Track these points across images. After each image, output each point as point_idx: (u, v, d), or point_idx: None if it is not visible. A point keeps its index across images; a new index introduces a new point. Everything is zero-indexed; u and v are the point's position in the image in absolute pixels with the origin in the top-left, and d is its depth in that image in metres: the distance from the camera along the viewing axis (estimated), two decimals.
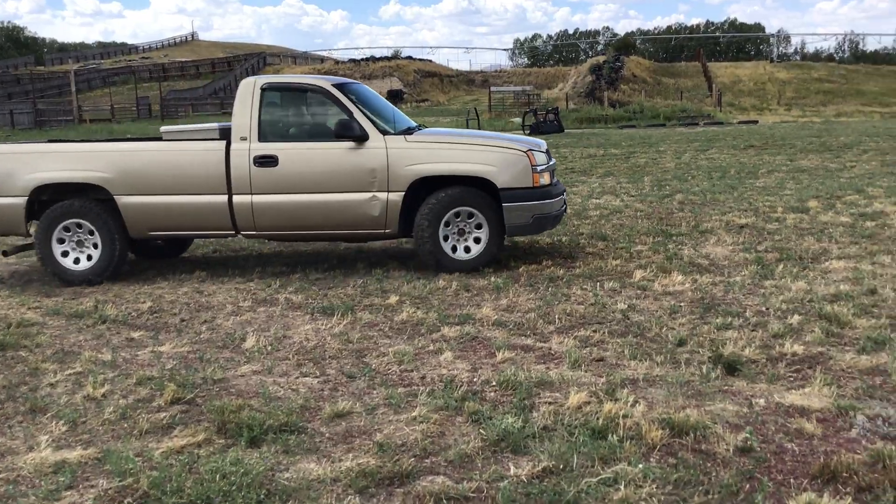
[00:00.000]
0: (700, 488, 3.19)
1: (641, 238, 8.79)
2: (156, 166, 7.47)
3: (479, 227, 7.46)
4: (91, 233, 7.50)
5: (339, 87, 7.71)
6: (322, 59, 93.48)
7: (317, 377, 4.70)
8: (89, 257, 7.54)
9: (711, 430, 3.69)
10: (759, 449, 3.52)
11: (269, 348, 5.28)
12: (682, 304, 5.97)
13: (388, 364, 4.88)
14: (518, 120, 43.04)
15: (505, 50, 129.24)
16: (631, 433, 3.69)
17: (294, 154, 7.41)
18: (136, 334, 5.75)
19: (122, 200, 7.42)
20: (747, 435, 3.61)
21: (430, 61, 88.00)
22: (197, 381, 4.66)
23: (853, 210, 10.24)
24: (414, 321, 5.79)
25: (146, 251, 8.73)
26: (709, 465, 3.40)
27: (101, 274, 7.52)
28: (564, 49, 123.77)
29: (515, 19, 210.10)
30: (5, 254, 8.14)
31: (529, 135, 35.00)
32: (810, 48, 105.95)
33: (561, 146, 25.10)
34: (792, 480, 3.25)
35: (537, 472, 3.36)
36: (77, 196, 7.49)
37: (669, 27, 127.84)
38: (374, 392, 4.42)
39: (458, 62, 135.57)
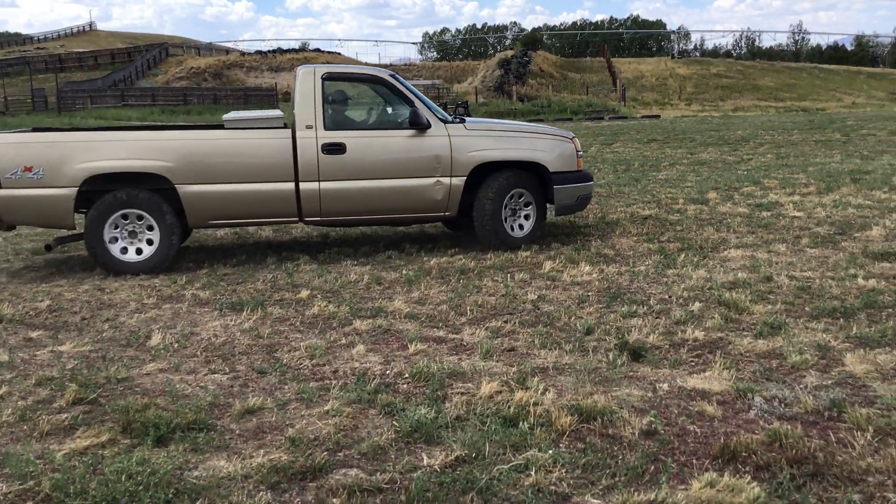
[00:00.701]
0: (607, 471, 3.28)
1: (550, 230, 8.94)
2: (220, 155, 7.42)
3: (527, 207, 8.14)
4: (147, 223, 7.33)
5: (394, 77, 8.04)
6: (227, 51, 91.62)
7: (226, 374, 4.62)
8: (138, 251, 7.36)
9: (618, 414, 3.80)
10: (662, 432, 3.63)
11: (176, 346, 5.15)
12: (589, 293, 6.11)
13: (300, 359, 4.83)
14: None
15: (414, 43, 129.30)
16: (541, 420, 3.75)
17: (361, 142, 7.66)
18: (34, 334, 5.53)
19: (184, 190, 7.29)
20: (652, 418, 3.72)
21: (339, 54, 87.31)
22: (100, 380, 4.51)
23: (750, 201, 10.66)
24: (325, 315, 5.75)
25: None
26: (615, 448, 3.49)
27: (160, 264, 7.37)
28: (473, 43, 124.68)
29: (424, 13, 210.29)
30: (48, 248, 7.82)
31: None
32: (709, 45, 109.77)
33: None
34: (694, 461, 3.38)
35: (450, 461, 3.39)
36: (130, 185, 7.26)
37: (575, 23, 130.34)
38: (286, 387, 4.37)
39: (368, 55, 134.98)
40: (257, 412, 4.02)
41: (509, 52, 67.17)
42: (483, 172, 7.89)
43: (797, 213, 9.50)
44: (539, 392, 4.08)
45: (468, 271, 7.00)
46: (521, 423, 3.73)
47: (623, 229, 8.83)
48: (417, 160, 7.73)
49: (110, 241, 7.25)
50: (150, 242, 7.35)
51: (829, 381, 4.16)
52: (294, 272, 7.18)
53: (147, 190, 7.26)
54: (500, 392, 4.13)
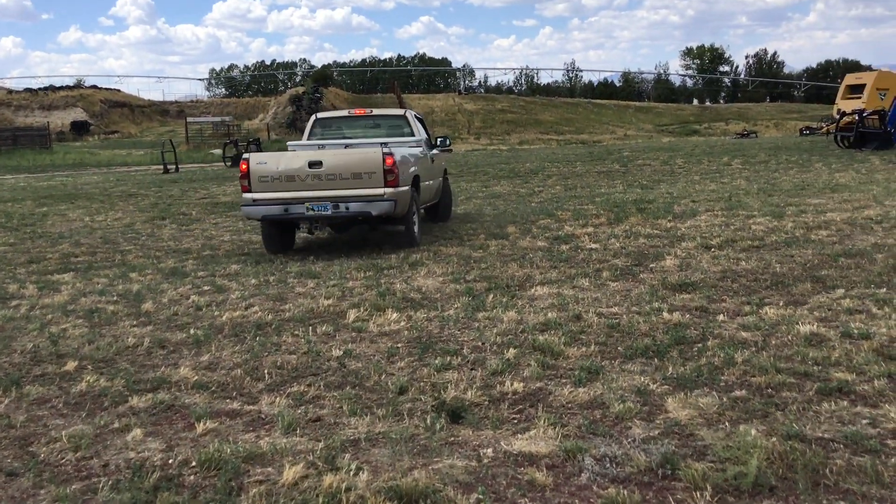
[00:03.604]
0: None
1: (352, 273, 8.46)
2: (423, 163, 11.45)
3: None
4: None
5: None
6: None
7: None
8: None
9: (442, 493, 3.34)
10: None
11: None
12: (399, 344, 5.66)
13: (62, 451, 4.01)
14: (219, 151, 41.54)
15: (201, 80, 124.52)
16: None
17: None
18: None
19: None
20: (480, 496, 3.31)
21: (119, 91, 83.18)
22: None
23: (548, 234, 10.74)
24: (95, 392, 4.90)
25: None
26: None
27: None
28: (263, 80, 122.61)
29: (209, 49, 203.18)
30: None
31: (231, 167, 33.78)
32: (493, 81, 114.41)
33: None
34: None
35: None
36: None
37: (364, 60, 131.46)
38: (42, 492, 3.56)
39: (150, 92, 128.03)
40: None
41: (300, 89, 66.67)
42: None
43: (594, 245, 9.63)
44: (351, 473, 3.56)
45: (265, 326, 6.36)
46: None
47: (427, 269, 8.51)
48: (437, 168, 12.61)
49: None
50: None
51: (656, 432, 3.94)
52: (60, 338, 6.22)
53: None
54: (307, 477, 3.56)
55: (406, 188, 9.89)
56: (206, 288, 8.06)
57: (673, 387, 4.54)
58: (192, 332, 6.24)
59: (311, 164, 9.55)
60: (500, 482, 3.48)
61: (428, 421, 4.17)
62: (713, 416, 4.09)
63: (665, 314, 6.09)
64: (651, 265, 8.20)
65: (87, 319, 6.86)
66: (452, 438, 3.98)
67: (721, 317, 5.99)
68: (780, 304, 6.32)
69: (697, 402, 4.26)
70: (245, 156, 9.92)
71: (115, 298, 7.75)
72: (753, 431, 3.83)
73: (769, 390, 4.44)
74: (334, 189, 9.55)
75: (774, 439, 3.72)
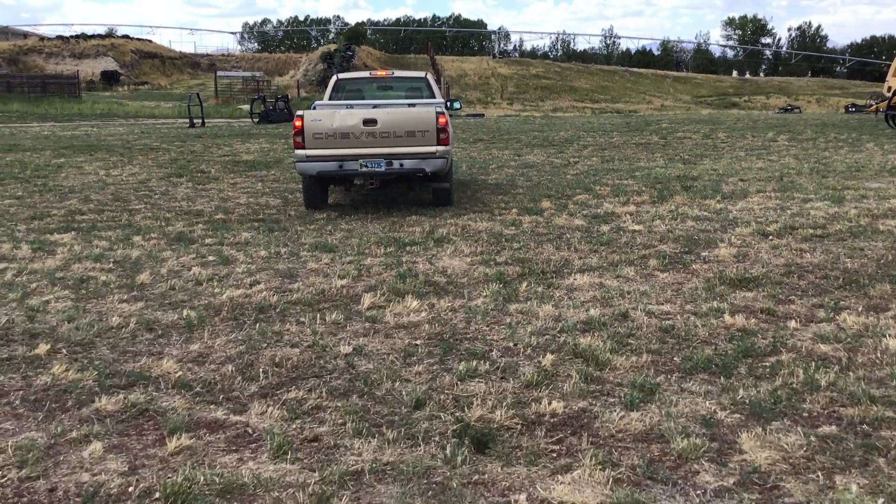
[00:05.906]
0: None
1: (371, 248, 7.70)
2: None
3: None
4: None
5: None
6: (25, 35, 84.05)
7: None
8: None
9: None
10: None
11: None
12: (418, 341, 4.90)
13: (4, 468, 3.32)
14: (247, 107, 40.89)
15: (233, 33, 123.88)
16: None
17: None
18: None
19: None
20: None
21: (151, 41, 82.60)
22: None
23: (586, 211, 9.90)
24: (62, 386, 4.20)
25: None
26: None
27: None
28: (296, 36, 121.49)
29: (244, 3, 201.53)
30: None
31: (258, 123, 33.08)
32: (528, 46, 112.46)
33: (288, 136, 23.62)
34: None
35: None
36: None
37: (398, 19, 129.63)
38: None
39: (182, 44, 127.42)
40: None
41: (332, 46, 65.58)
42: None
43: (637, 227, 8.78)
44: None
45: (268, 308, 5.63)
46: None
47: (454, 247, 7.72)
48: None
49: None
50: None
51: (731, 480, 3.16)
52: (39, 312, 5.54)
53: None
54: None
55: (451, 147, 10.14)
56: (210, 258, 7.35)
57: (746, 416, 3.75)
58: (185, 312, 5.52)
59: (366, 122, 9.60)
60: None
61: (448, 450, 3.42)
62: (800, 462, 3.30)
63: (726, 317, 5.26)
64: (703, 253, 7.35)
65: (75, 290, 6.18)
66: (477, 476, 3.22)
67: (793, 323, 5.16)
68: (859, 309, 5.47)
69: (779, 441, 3.47)
70: (299, 112, 9.91)
71: (110, 266, 7.06)
72: (855, 487, 3.05)
73: (864, 426, 3.63)
74: (388, 147, 9.64)
75: (883, 501, 2.93)
